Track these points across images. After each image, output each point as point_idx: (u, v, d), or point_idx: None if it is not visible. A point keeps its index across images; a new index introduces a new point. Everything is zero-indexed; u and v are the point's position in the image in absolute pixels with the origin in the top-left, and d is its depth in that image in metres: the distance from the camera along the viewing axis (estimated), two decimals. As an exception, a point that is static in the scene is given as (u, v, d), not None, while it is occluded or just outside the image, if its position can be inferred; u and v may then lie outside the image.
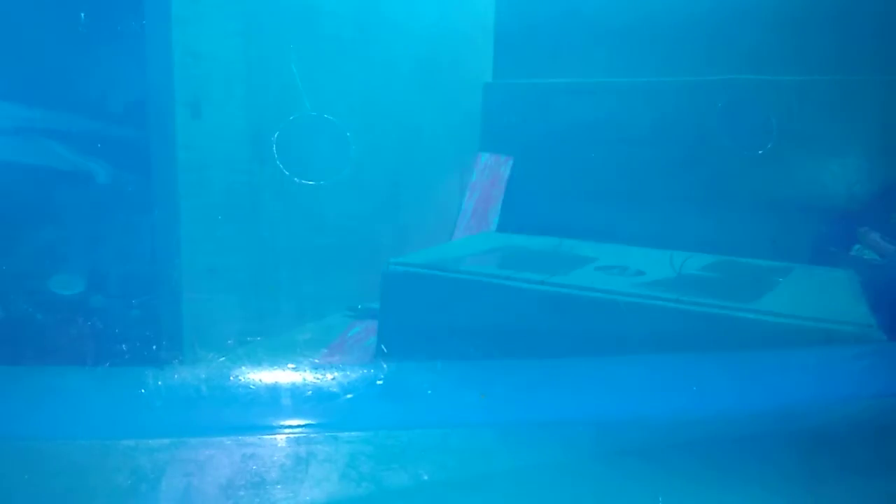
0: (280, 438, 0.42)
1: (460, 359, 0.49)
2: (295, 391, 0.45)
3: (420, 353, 0.49)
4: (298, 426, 0.43)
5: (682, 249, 0.70)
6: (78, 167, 0.55)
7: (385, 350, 0.47)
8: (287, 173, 0.51)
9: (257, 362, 0.46)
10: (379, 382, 0.46)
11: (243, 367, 0.45)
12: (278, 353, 0.47)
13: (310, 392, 0.45)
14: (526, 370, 0.50)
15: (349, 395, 0.45)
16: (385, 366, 0.47)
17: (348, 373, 0.46)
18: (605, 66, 0.83)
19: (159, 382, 0.43)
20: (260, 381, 0.45)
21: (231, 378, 0.45)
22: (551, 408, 0.47)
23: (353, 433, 0.42)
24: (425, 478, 0.39)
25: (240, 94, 0.60)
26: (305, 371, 0.46)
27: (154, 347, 0.46)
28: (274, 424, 0.43)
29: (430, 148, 0.75)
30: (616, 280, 0.61)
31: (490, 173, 0.78)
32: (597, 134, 0.82)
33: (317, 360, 0.46)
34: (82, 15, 0.52)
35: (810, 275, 0.67)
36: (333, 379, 0.46)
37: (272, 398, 0.45)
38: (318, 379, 0.46)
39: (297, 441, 0.41)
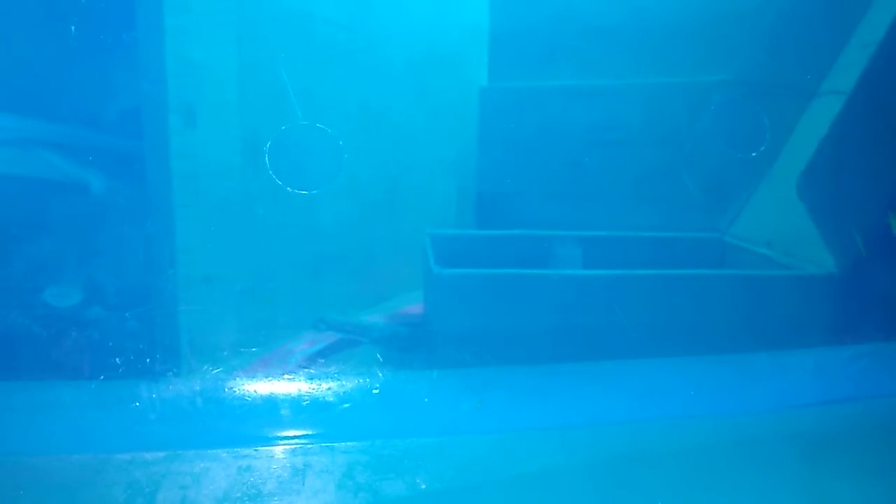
0: (276, 450, 0.41)
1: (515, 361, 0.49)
2: (291, 402, 0.45)
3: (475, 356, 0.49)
4: (295, 437, 0.43)
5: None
6: (72, 177, 0.55)
7: (381, 359, 0.47)
8: (280, 183, 0.51)
9: (253, 373, 0.46)
10: (375, 392, 0.46)
11: (238, 379, 0.45)
12: (274, 364, 0.47)
13: (306, 402, 0.45)
14: (522, 377, 0.50)
15: (345, 405, 0.45)
16: (381, 375, 0.47)
17: (344, 382, 0.46)
18: (601, 68, 0.83)
19: (154, 395, 0.43)
20: (255, 392, 0.45)
21: (226, 389, 0.45)
22: (549, 414, 0.47)
23: (349, 443, 0.42)
24: (423, 487, 0.39)
25: (234, 102, 0.60)
26: (301, 381, 0.46)
27: (148, 360, 0.45)
28: (270, 436, 0.43)
29: (426, 154, 0.75)
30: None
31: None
32: (594, 136, 0.82)
33: (312, 370, 0.46)
34: (73, 28, 0.52)
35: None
36: (329, 389, 0.46)
37: (268, 409, 0.44)
38: (313, 389, 0.45)
39: (294, 452, 0.41)
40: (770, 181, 0.72)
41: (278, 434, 0.43)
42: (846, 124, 0.62)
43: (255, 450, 0.41)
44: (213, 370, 0.45)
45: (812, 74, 0.68)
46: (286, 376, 0.46)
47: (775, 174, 0.71)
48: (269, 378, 0.46)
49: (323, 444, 0.42)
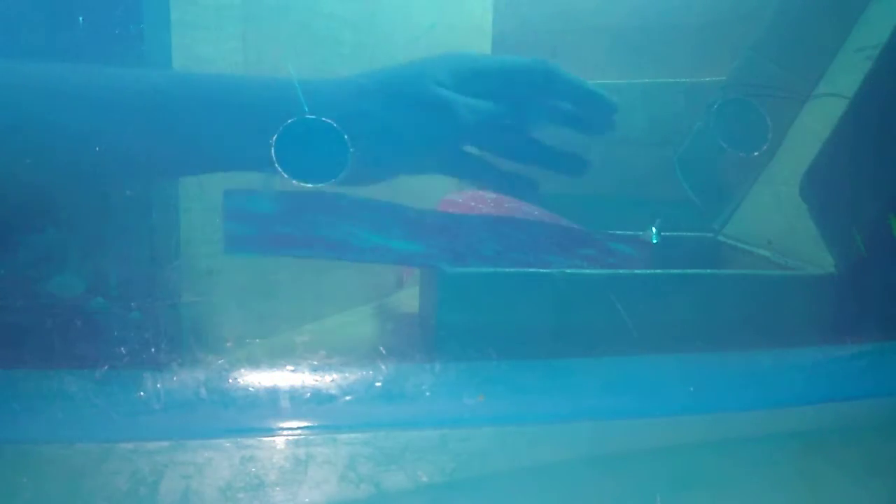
0: (279, 440, 0.42)
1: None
2: (293, 393, 0.45)
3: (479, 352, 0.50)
4: (297, 428, 0.43)
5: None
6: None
7: (384, 351, 0.47)
8: (285, 176, 0.52)
9: (256, 364, 0.46)
10: (378, 384, 0.46)
11: (242, 370, 0.46)
12: (277, 355, 0.47)
13: (308, 394, 0.45)
14: (525, 371, 0.50)
15: (348, 397, 0.45)
16: (384, 367, 0.47)
17: (347, 374, 0.46)
18: (603, 67, 0.83)
19: (158, 385, 0.43)
20: (259, 383, 0.45)
21: (230, 380, 0.45)
22: (550, 409, 0.48)
23: (351, 435, 0.42)
24: (424, 479, 0.39)
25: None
26: (304, 373, 0.46)
27: (153, 350, 0.46)
28: (273, 426, 0.43)
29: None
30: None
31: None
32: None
33: (315, 362, 0.47)
34: (80, 19, 0.52)
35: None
36: (332, 381, 0.46)
37: (271, 400, 0.45)
38: (316, 381, 0.46)
39: (296, 443, 0.42)
40: (764, 182, 0.72)
41: (281, 425, 0.43)
42: (847, 126, 0.63)
43: (258, 440, 0.41)
44: (217, 361, 0.45)
45: (808, 77, 0.69)
46: (289, 367, 0.46)
47: (770, 175, 0.72)
48: (273, 369, 0.46)
49: (325, 436, 0.42)
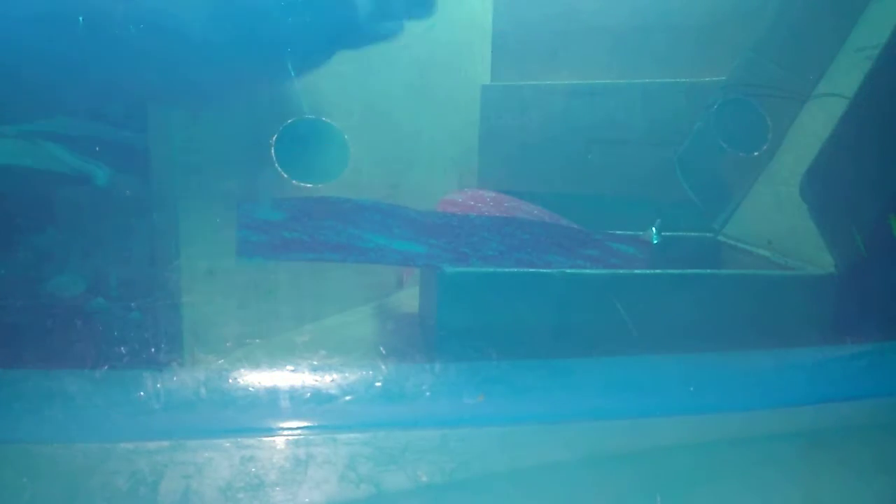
0: (279, 440, 0.42)
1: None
2: (293, 393, 0.45)
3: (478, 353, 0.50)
4: (297, 428, 0.43)
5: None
6: (77, 170, 0.55)
7: (384, 351, 0.47)
8: (285, 176, 0.52)
9: (256, 364, 0.46)
10: (378, 384, 0.46)
11: (242, 370, 0.46)
12: (277, 356, 0.47)
13: (308, 394, 0.45)
14: (525, 371, 0.50)
15: (348, 397, 0.45)
16: (384, 367, 0.47)
17: (347, 374, 0.46)
18: (603, 67, 0.84)
19: (158, 385, 0.44)
20: (259, 383, 0.45)
21: (230, 380, 0.45)
22: (550, 409, 0.48)
23: (351, 435, 0.42)
24: (424, 479, 0.39)
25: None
26: (304, 373, 0.46)
27: (153, 350, 0.46)
28: (273, 426, 0.43)
29: (429, 150, 0.75)
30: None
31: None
32: (594, 134, 0.83)
33: (315, 362, 0.47)
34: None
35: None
36: (332, 381, 0.46)
37: (271, 400, 0.45)
38: (316, 381, 0.46)
39: (296, 443, 0.42)
40: (764, 182, 0.73)
41: (281, 425, 0.43)
42: (847, 126, 0.63)
43: (258, 440, 0.41)
44: (217, 361, 0.46)
45: (808, 77, 0.69)
46: (289, 367, 0.46)
47: (770, 175, 0.72)
48: (273, 369, 0.46)
49: (325, 436, 0.42)
